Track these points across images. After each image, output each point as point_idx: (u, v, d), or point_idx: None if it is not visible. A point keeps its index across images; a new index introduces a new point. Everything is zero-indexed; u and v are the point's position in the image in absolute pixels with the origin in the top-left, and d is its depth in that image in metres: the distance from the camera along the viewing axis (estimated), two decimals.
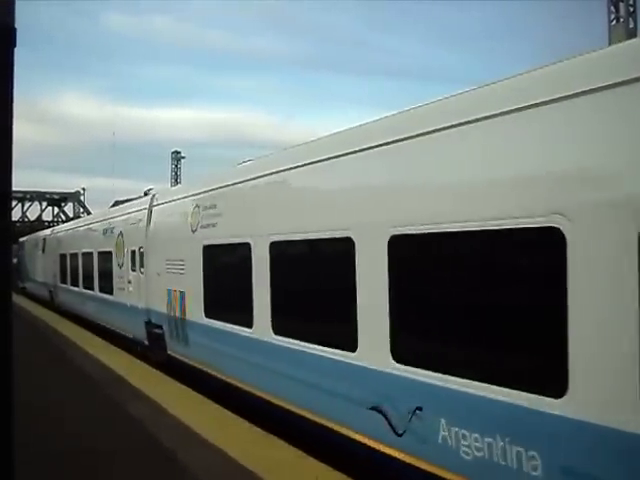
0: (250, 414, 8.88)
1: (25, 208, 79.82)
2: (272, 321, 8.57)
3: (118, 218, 17.10)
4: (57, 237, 27.16)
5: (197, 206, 11.29)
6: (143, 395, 10.42)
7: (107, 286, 17.72)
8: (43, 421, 8.47)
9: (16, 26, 3.02)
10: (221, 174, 11.07)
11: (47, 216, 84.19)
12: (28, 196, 79.91)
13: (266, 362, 8.79)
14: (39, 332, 19.39)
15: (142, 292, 14.48)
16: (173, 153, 76.40)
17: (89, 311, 20.72)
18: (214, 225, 10.51)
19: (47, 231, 32.94)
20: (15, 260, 60.85)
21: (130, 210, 15.98)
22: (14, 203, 76.03)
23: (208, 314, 10.81)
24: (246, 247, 9.27)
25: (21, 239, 44.43)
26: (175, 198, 12.74)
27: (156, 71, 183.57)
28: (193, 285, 11.42)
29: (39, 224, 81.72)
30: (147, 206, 14.34)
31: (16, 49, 3.01)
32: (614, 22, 26.57)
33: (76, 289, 22.36)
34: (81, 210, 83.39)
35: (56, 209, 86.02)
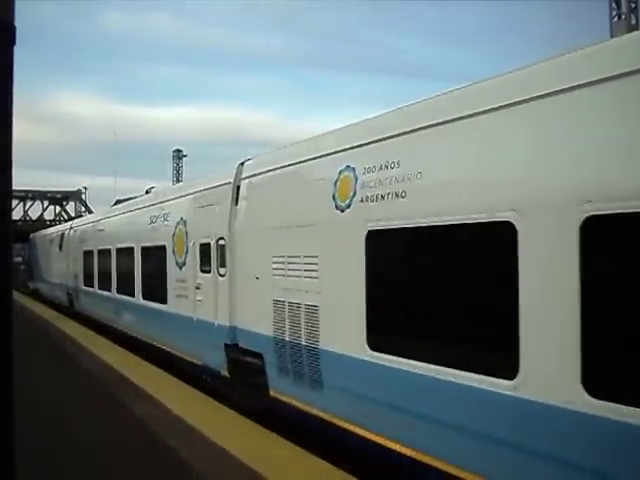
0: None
1: (26, 207, 78.53)
2: (584, 370, 4.29)
3: (176, 201, 12.72)
4: (80, 231, 22.54)
5: (350, 168, 6.98)
6: (146, 394, 10.10)
7: (156, 292, 13.35)
8: (45, 420, 8.26)
9: (16, 24, 2.99)
10: (410, 107, 6.65)
11: (49, 215, 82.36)
12: (30, 195, 78.64)
13: (566, 450, 4.50)
14: (41, 332, 18.59)
15: (222, 302, 10.14)
16: (174, 152, 75.02)
17: (126, 323, 16.26)
18: (398, 195, 6.19)
19: (65, 225, 28.52)
20: (19, 259, 56.99)
21: (197, 189, 11.60)
22: (15, 202, 76.08)
23: (377, 344, 6.50)
24: (498, 229, 5.01)
25: (32, 235, 39.79)
26: (292, 162, 8.38)
27: (156, 70, 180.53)
28: (339, 295, 7.12)
29: (41, 223, 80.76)
30: (231, 180, 10.00)
31: (16, 47, 2.98)
32: (615, 19, 25.41)
33: (106, 294, 17.94)
34: (83, 209, 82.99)
35: (58, 208, 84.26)
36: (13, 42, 2.97)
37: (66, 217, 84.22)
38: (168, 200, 13.20)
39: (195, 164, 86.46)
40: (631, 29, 22.90)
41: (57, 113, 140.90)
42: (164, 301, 12.84)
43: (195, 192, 11.60)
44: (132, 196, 19.43)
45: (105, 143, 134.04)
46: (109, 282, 17.49)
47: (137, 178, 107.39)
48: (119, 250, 16.68)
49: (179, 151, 75.83)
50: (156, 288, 13.37)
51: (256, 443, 7.43)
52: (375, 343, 6.53)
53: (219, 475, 6.46)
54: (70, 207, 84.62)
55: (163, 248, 12.88)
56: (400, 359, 6.14)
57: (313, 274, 7.56)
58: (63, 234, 25.85)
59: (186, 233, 11.78)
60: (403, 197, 6.14)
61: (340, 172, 7.13)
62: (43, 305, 28.95)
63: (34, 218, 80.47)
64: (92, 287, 19.87)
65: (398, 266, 6.37)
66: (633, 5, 25.19)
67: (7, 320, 2.98)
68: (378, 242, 6.51)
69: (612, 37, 21.57)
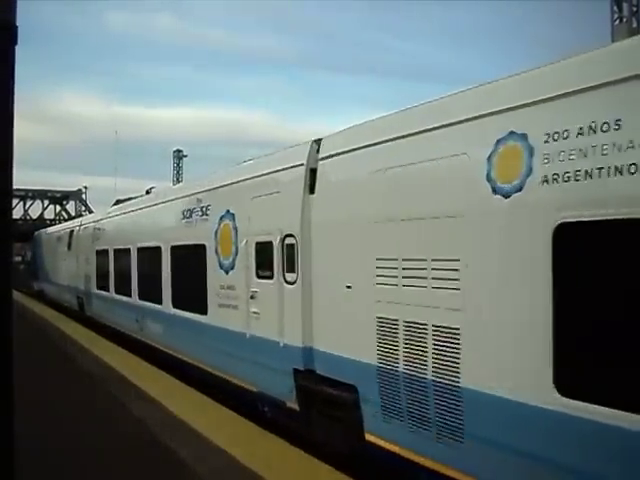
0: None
1: (27, 206, 78.78)
2: None
3: (219, 190, 10.59)
4: (93, 228, 20.12)
5: (517, 135, 4.88)
6: (146, 395, 9.97)
7: (192, 300, 11.24)
8: (44, 420, 8.16)
9: (17, 24, 3.00)
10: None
11: (49, 214, 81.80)
12: (30, 194, 78.70)
13: None
14: (41, 332, 18.21)
15: (291, 317, 8.02)
16: (175, 152, 75.04)
17: (151, 334, 14.04)
18: (622, 171, 4.10)
19: (74, 222, 26.10)
20: (19, 258, 55.29)
21: (250, 174, 9.46)
22: (16, 201, 75.06)
23: (574, 389, 4.41)
24: None
25: (36, 233, 37.28)
26: (406, 133, 6.23)
27: (157, 70, 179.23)
28: (501, 315, 5.02)
29: (41, 222, 79.68)
30: (302, 161, 7.90)
31: (17, 47, 3.01)
32: (617, 22, 25.58)
33: (125, 299, 15.72)
34: (83, 208, 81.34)
35: (58, 207, 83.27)
36: (15, 42, 2.97)
37: (66, 216, 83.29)
38: (207, 190, 11.07)
39: (195, 164, 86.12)
40: (632, 32, 22.70)
41: (58, 113, 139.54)
42: (203, 311, 10.72)
43: (248, 178, 9.48)
44: (132, 196, 18.74)
45: (106, 143, 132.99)
46: (128, 286, 15.29)
47: (137, 178, 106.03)
48: (142, 250, 14.52)
49: (179, 151, 75.43)
50: (192, 295, 11.26)
51: (256, 444, 7.42)
52: (569, 387, 4.45)
53: (219, 476, 6.44)
54: (70, 206, 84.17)
55: (202, 248, 10.77)
56: (619, 413, 4.06)
57: (450, 284, 5.46)
58: (72, 232, 23.48)
59: (235, 229, 9.67)
60: (633, 173, 4.06)
61: (499, 142, 5.04)
62: (51, 309, 26.75)
63: (34, 217, 79.96)
64: (107, 291, 17.65)
65: (623, 276, 4.25)
66: (634, 9, 25.31)
67: (7, 320, 2.94)
68: (580, 239, 4.42)
69: (613, 40, 21.66)
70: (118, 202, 20.69)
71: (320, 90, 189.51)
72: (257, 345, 8.84)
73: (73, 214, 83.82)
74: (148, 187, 16.91)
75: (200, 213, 11.09)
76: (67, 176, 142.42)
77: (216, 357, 10.35)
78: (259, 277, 8.87)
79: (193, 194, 11.66)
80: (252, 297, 9.04)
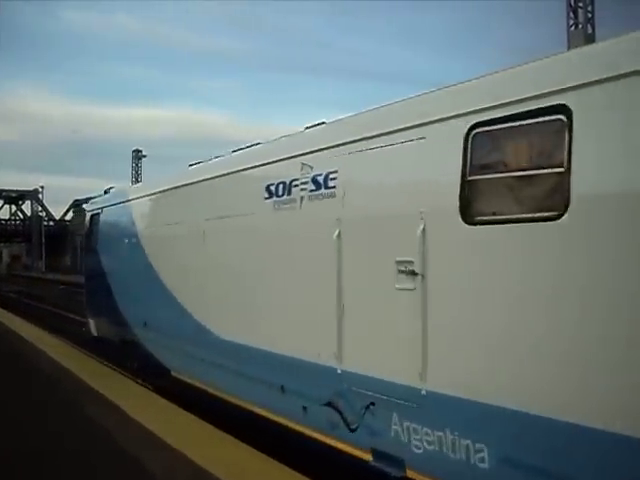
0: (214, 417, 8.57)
1: None
2: None
3: None
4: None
5: None
6: (106, 400, 9.84)
7: None
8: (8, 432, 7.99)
9: None
10: None
11: (4, 214, 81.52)
12: None
13: None
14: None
15: None
16: (134, 152, 73.69)
17: None
18: None
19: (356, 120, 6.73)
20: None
21: None
22: None
23: None
24: None
25: (92, 201, 16.08)
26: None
27: (117, 70, 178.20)
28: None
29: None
30: None
31: None
32: (573, 28, 26.31)
33: None
34: (39, 209, 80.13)
35: (13, 207, 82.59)
36: None
37: (22, 217, 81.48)
38: None
39: (155, 165, 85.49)
40: (587, 38, 23.23)
41: (16, 111, 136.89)
42: None
43: None
44: (91, 196, 17.32)
45: (64, 142, 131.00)
46: None
47: (96, 178, 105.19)
48: None
49: (139, 151, 73.57)
50: None
51: (216, 447, 7.37)
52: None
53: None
54: (26, 206, 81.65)
55: None
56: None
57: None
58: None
59: None
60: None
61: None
62: None
63: None
64: None
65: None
66: (589, 15, 26.24)
67: None
68: None
69: (569, 45, 22.29)
70: (76, 202, 19.08)
71: (279, 91, 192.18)
72: None
73: (29, 214, 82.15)
74: (107, 187, 15.38)
75: None
76: (23, 175, 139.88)
77: None
78: None
79: None
80: None
